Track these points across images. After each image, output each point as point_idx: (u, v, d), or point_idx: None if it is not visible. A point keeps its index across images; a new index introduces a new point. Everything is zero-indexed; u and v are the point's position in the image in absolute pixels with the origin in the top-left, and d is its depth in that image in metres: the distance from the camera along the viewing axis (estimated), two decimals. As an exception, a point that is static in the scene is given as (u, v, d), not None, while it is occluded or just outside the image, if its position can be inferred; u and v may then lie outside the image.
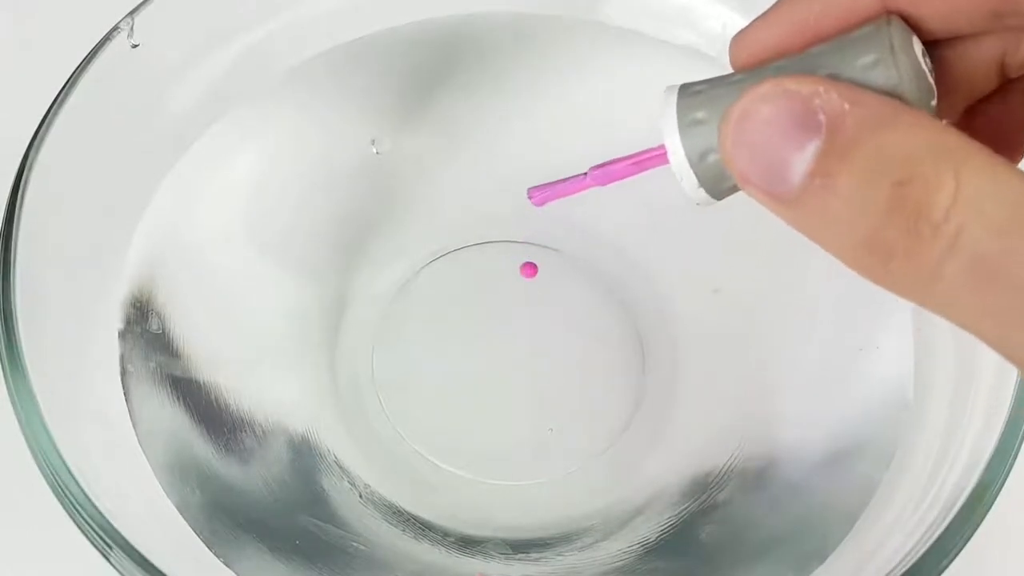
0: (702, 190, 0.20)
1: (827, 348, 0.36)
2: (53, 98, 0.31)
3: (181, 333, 0.34)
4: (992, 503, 0.28)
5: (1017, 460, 0.28)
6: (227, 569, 0.30)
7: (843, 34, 0.20)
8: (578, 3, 0.38)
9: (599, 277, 0.38)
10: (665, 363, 0.37)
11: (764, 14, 0.21)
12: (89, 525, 0.27)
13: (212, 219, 0.36)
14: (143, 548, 0.27)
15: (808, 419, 0.35)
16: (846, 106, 0.18)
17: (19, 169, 0.30)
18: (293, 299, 0.36)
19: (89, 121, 0.32)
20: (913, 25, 0.20)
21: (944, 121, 0.22)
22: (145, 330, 0.33)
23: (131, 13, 0.33)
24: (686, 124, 0.20)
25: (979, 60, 0.21)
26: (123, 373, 0.32)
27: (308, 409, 0.35)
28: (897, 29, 0.19)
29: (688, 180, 0.20)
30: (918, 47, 0.19)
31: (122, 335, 0.32)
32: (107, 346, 0.32)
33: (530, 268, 0.38)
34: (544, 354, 0.37)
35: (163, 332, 0.33)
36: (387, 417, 0.36)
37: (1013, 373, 0.29)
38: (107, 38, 0.32)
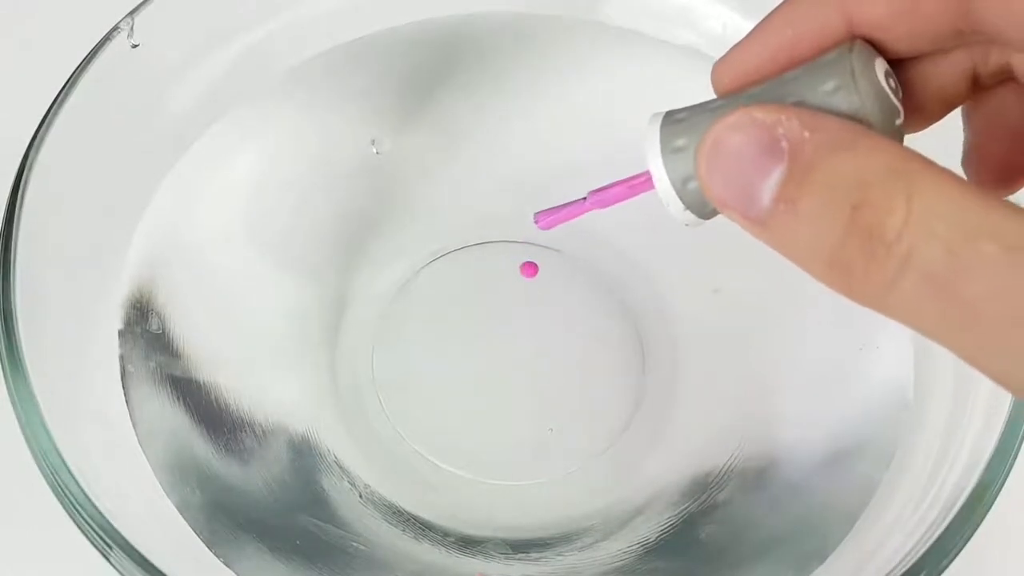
0: (688, 212, 0.21)
1: (827, 348, 0.36)
2: (53, 98, 0.31)
3: (181, 333, 0.34)
4: (992, 503, 0.28)
5: (1017, 460, 0.28)
6: (227, 569, 0.30)
7: (815, 59, 0.20)
8: (578, 3, 0.38)
9: (599, 277, 0.38)
10: (665, 363, 0.37)
11: (742, 40, 0.22)
12: (89, 525, 0.27)
13: (212, 219, 0.36)
14: (143, 548, 0.27)
15: (808, 419, 0.35)
16: (806, 133, 0.19)
17: (19, 169, 0.30)
18: (293, 299, 0.36)
19: (89, 121, 0.32)
20: (878, 47, 0.20)
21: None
22: (145, 330, 0.33)
23: (131, 13, 0.33)
24: (668, 151, 0.21)
25: (949, 74, 0.21)
26: (123, 373, 0.32)
27: (308, 409, 0.35)
28: (859, 54, 0.20)
29: (674, 205, 0.21)
30: (881, 68, 0.20)
31: (122, 335, 0.32)
32: (107, 346, 0.32)
33: (530, 268, 0.38)
34: (544, 354, 0.37)
35: (163, 332, 0.33)
36: (387, 417, 0.36)
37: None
38: (107, 38, 0.32)
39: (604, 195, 0.23)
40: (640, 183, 0.22)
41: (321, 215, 0.37)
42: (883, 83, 0.20)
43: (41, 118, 0.31)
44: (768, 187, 0.19)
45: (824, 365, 0.35)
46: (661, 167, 0.21)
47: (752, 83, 0.21)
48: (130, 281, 0.33)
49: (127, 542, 0.27)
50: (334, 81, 0.37)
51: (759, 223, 0.19)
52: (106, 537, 0.27)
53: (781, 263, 0.19)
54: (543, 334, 0.38)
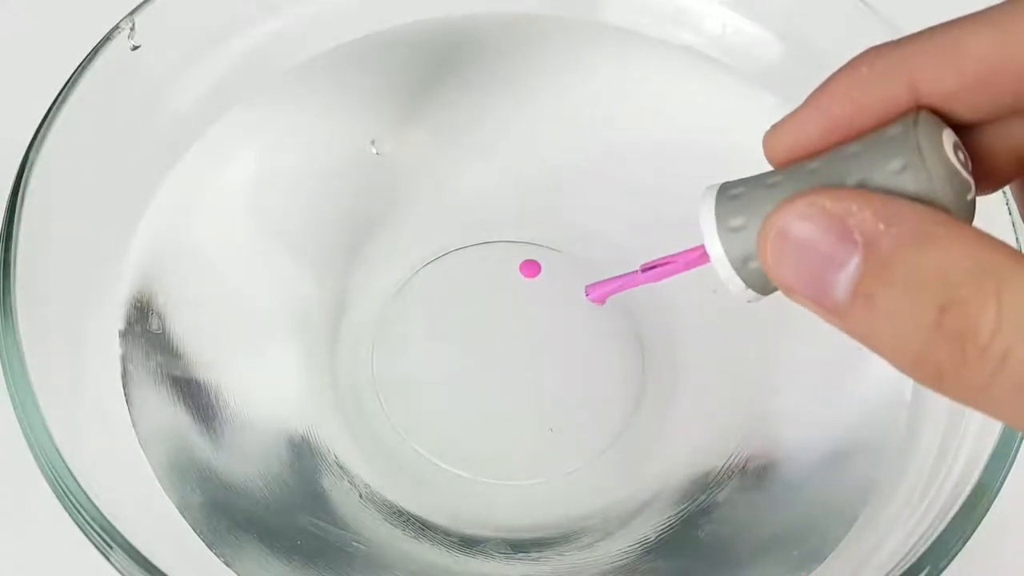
0: (750, 291, 0.21)
1: (827, 348, 0.35)
2: (53, 98, 0.31)
3: (181, 333, 0.34)
4: (991, 504, 0.28)
5: (1017, 460, 0.28)
6: (227, 569, 0.30)
7: (877, 131, 0.19)
8: (578, 3, 0.38)
9: (599, 277, 0.38)
10: (665, 363, 0.37)
11: (798, 109, 0.21)
12: (89, 525, 0.27)
13: (212, 219, 0.36)
14: (143, 548, 0.27)
15: (808, 419, 0.35)
16: (881, 226, 0.18)
17: (19, 169, 0.30)
18: (293, 299, 0.36)
19: (89, 121, 0.32)
20: (945, 117, 0.19)
21: None
22: (145, 330, 0.33)
23: (131, 13, 0.33)
24: (726, 230, 0.20)
25: (1019, 136, 0.20)
26: (123, 373, 0.32)
27: (308, 409, 0.35)
28: (925, 127, 0.19)
29: (734, 283, 0.21)
30: (949, 141, 0.19)
31: (122, 335, 0.32)
32: (107, 346, 0.32)
33: (530, 268, 0.38)
34: (544, 354, 0.37)
35: (163, 332, 0.33)
36: (387, 417, 0.36)
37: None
38: (107, 38, 0.32)
39: (658, 271, 0.23)
40: (696, 258, 0.22)
41: (321, 215, 0.37)
42: (952, 158, 0.19)
43: (41, 118, 0.31)
44: (843, 279, 0.18)
45: (824, 365, 0.35)
46: (719, 247, 0.20)
47: (807, 155, 0.20)
48: (130, 281, 0.33)
49: (127, 542, 0.27)
50: (334, 81, 0.37)
51: (835, 313, 0.18)
52: (106, 537, 0.27)
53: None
54: (543, 334, 0.38)
